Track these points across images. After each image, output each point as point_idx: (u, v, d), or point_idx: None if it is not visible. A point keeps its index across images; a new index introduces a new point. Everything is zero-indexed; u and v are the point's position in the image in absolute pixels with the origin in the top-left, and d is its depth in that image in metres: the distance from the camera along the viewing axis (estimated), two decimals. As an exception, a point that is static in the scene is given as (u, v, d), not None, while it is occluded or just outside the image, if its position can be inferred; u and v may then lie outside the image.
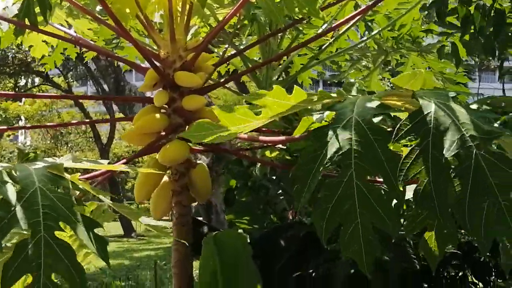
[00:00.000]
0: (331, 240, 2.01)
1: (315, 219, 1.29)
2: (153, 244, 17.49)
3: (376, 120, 1.36)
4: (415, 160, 1.28)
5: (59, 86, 21.14)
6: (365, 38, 3.80)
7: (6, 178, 1.27)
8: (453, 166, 1.28)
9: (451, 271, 3.03)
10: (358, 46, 3.92)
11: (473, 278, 2.93)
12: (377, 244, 1.30)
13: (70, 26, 2.77)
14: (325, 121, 1.51)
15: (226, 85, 3.15)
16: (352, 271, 2.27)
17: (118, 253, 14.62)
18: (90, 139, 26.65)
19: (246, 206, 2.77)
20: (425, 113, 1.29)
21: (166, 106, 2.13)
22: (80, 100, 21.21)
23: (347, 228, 1.29)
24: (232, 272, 2.02)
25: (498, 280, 2.61)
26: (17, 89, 21.65)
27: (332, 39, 3.58)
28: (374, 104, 1.35)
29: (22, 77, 20.15)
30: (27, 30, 2.24)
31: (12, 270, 1.18)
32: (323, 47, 3.51)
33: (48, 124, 19.12)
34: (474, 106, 1.44)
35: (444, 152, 1.25)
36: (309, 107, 1.52)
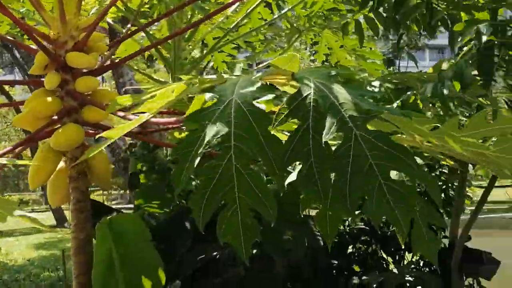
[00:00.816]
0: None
1: (192, 204, 1.26)
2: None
3: (265, 99, 1.34)
4: (296, 144, 1.26)
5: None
6: (276, 16, 3.79)
7: None
8: (334, 148, 1.27)
9: (361, 247, 3.09)
10: (270, 24, 3.90)
11: (382, 253, 2.99)
12: (256, 229, 1.29)
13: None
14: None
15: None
16: (255, 251, 2.27)
17: (50, 243, 14.30)
18: (19, 129, 25.78)
19: (154, 190, 2.72)
20: (304, 95, 1.27)
21: (59, 88, 2.05)
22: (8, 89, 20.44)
23: (226, 213, 1.27)
24: (129, 257, 1.97)
25: (407, 252, 2.67)
26: None
27: (242, 17, 3.55)
28: (255, 85, 1.32)
29: None
30: None
31: None
32: (233, 26, 3.46)
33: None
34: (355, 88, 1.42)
35: (323, 135, 1.24)
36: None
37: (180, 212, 2.41)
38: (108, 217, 1.87)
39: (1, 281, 8.77)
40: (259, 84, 1.33)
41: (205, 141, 1.24)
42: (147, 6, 3.36)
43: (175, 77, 3.18)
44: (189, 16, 3.33)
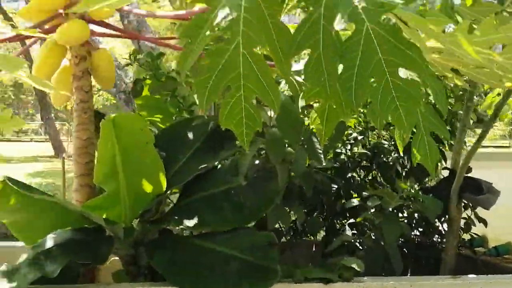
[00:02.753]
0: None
1: (197, 86, 1.24)
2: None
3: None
4: (306, 32, 1.23)
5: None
6: None
7: None
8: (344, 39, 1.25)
9: (360, 173, 3.09)
10: None
11: (381, 179, 2.99)
12: (259, 119, 1.29)
13: None
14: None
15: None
16: (257, 162, 2.27)
17: (47, 172, 14.34)
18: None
19: (157, 102, 2.69)
20: (318, -19, 1.24)
21: (65, -18, 2.00)
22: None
23: (229, 99, 1.26)
24: (132, 157, 1.96)
25: (402, 183, 2.66)
26: None
27: None
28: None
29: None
30: None
31: None
32: None
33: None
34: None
35: (334, 25, 1.21)
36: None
37: (183, 121, 2.39)
38: (113, 115, 1.85)
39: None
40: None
41: (214, 23, 1.22)
42: None
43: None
44: None
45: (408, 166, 2.98)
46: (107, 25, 2.07)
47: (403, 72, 1.26)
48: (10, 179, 1.82)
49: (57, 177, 13.29)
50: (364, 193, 2.69)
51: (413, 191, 2.61)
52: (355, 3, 1.21)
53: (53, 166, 16.36)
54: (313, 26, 1.22)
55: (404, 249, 2.77)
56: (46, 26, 1.97)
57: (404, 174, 2.98)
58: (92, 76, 2.12)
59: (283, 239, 2.89)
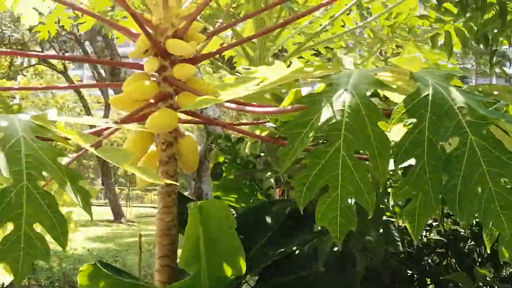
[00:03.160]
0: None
1: (296, 184, 1.28)
2: (142, 230, 17.42)
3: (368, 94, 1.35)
4: (411, 143, 1.27)
5: (55, 67, 20.85)
6: (360, 24, 3.80)
7: (-11, 127, 1.24)
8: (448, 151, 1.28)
9: (435, 259, 3.03)
10: (353, 32, 3.90)
11: (457, 267, 2.92)
12: (353, 218, 1.30)
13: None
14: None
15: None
16: (336, 248, 2.26)
17: (106, 237, 14.57)
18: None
19: (233, 183, 2.75)
20: (423, 95, 1.28)
21: (156, 73, 2.10)
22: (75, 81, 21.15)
23: (326, 198, 1.29)
24: (216, 242, 2.00)
25: (480, 269, 2.60)
26: (12, 67, 21.43)
27: (326, 22, 3.57)
28: (369, 78, 1.34)
29: (18, 56, 19.87)
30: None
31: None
32: (317, 31, 3.48)
33: (37, 86, 18.86)
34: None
35: (440, 138, 1.25)
36: (301, 80, 1.51)
37: (261, 205, 2.43)
38: (200, 201, 1.91)
39: (60, 269, 8.94)
40: (374, 79, 1.34)
41: (317, 125, 1.27)
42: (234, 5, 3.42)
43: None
44: (275, 16, 3.36)
45: (485, 254, 2.91)
46: (194, 114, 2.15)
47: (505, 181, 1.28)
48: (100, 262, 1.87)
49: (116, 242, 13.48)
50: (440, 277, 2.64)
51: (489, 279, 2.54)
52: (459, 116, 1.25)
53: (112, 230, 16.62)
54: (418, 137, 1.27)
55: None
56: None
57: (480, 260, 2.92)
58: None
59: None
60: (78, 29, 3.80)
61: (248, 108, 1.80)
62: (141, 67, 2.12)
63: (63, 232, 1.20)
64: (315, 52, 4.48)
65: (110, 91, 16.19)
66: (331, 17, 3.80)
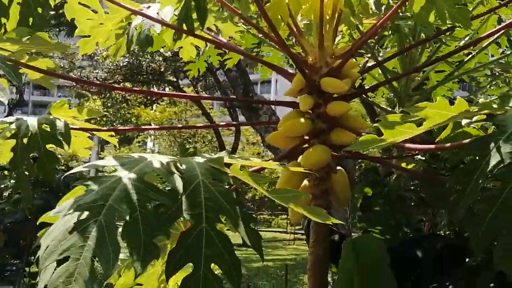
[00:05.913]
0: (472, 254, 1.95)
1: (470, 230, 1.28)
2: (270, 255, 17.55)
3: None
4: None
5: (187, 94, 21.71)
6: (509, 52, 3.67)
7: (174, 170, 1.36)
8: None
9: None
10: (499, 61, 3.77)
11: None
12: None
13: (218, 32, 2.88)
14: (474, 127, 1.50)
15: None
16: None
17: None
18: (215, 149, 27.21)
19: (379, 216, 2.75)
20: None
21: (309, 111, 2.18)
22: (208, 111, 21.93)
23: (504, 241, 1.27)
24: (370, 277, 2.02)
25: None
26: (148, 97, 22.66)
27: (474, 52, 3.49)
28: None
29: (154, 86, 20.94)
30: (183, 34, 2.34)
31: (176, 258, 1.24)
32: (463, 62, 3.41)
33: (175, 126, 19.77)
34: None
35: None
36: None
37: (412, 240, 2.42)
38: (354, 237, 1.94)
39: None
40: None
41: (487, 170, 1.27)
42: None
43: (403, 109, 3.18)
44: (419, 50, 3.34)
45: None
46: (345, 150, 2.20)
47: None
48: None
49: (245, 267, 13.71)
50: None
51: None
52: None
53: (241, 255, 16.87)
54: None
55: None
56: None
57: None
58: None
59: None
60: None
61: (406, 145, 1.80)
62: (294, 105, 2.21)
63: (237, 273, 1.26)
64: (457, 80, 4.36)
65: (240, 117, 16.57)
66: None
